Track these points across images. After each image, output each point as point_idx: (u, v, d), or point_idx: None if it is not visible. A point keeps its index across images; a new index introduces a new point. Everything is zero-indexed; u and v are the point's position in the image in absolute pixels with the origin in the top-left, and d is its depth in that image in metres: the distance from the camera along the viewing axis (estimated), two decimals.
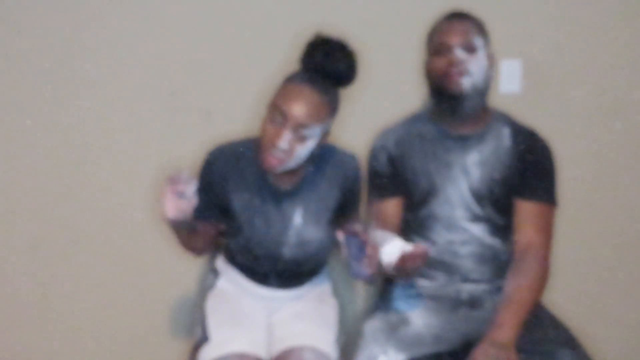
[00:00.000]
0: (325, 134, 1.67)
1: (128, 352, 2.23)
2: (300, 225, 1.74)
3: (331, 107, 1.63)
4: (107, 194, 2.16)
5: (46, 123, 2.13)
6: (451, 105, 1.73)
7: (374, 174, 1.86)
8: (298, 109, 1.57)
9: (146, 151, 2.14)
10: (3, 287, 2.19)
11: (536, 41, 2.13)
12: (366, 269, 1.46)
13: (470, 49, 1.71)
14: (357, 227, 1.50)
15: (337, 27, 2.10)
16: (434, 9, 1.79)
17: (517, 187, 1.75)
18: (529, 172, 1.75)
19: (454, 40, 1.72)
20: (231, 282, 1.88)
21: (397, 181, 1.83)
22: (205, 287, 1.94)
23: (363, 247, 1.47)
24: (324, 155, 1.76)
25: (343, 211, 1.80)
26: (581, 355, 1.59)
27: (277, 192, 1.74)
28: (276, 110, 1.60)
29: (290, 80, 1.64)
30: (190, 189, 1.52)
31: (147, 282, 2.20)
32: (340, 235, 1.52)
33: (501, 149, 1.76)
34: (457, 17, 1.76)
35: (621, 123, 2.17)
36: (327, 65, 1.61)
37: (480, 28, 1.75)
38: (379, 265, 1.49)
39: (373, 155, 1.87)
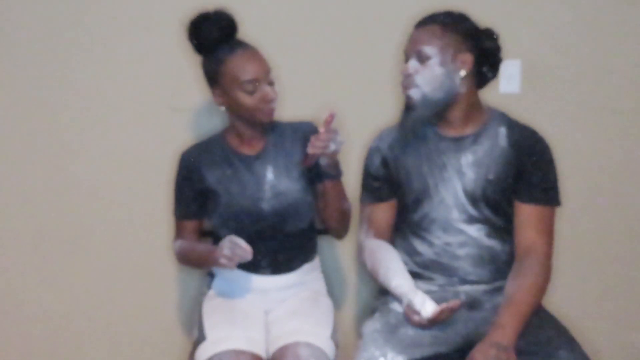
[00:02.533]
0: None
1: (128, 352, 2.23)
2: (273, 180, 1.87)
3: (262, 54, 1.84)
4: (108, 194, 2.17)
5: (47, 123, 2.13)
6: (405, 114, 1.75)
7: (367, 176, 1.87)
8: (259, 66, 1.79)
9: (147, 151, 2.15)
10: (3, 287, 2.20)
11: (536, 41, 2.12)
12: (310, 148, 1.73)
13: (422, 59, 1.70)
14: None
15: (336, 27, 2.11)
16: (435, 9, 1.77)
17: (517, 189, 1.73)
18: (528, 173, 1.73)
19: (407, 50, 1.74)
20: (226, 279, 1.91)
21: (390, 184, 1.83)
22: (202, 290, 1.98)
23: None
24: (281, 125, 1.94)
25: (317, 170, 1.85)
26: (580, 357, 1.58)
27: (246, 159, 1.89)
28: (248, 84, 1.77)
29: (230, 57, 1.78)
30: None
31: (147, 282, 2.20)
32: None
33: (496, 149, 1.74)
34: (421, 24, 1.74)
35: (621, 123, 2.17)
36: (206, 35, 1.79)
37: (441, 33, 1.69)
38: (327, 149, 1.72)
39: (367, 157, 1.88)
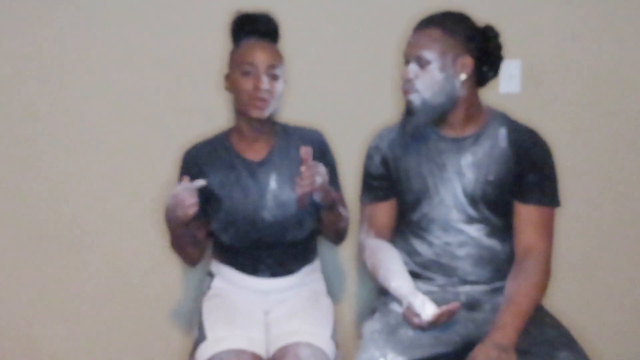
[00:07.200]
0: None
1: (128, 352, 2.23)
2: (276, 189, 1.85)
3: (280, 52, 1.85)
4: (108, 195, 2.16)
5: (47, 124, 2.13)
6: (406, 119, 1.74)
7: (366, 175, 1.87)
8: (262, 54, 1.79)
9: (148, 151, 2.14)
10: (3, 287, 2.19)
11: (536, 41, 2.12)
12: (298, 189, 1.70)
13: (421, 64, 1.69)
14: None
15: (335, 26, 2.11)
16: (435, 9, 1.77)
17: (516, 190, 1.73)
18: (527, 174, 1.72)
19: (408, 54, 1.72)
20: (225, 280, 1.91)
21: (389, 183, 1.83)
22: (202, 290, 1.98)
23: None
24: (289, 130, 1.92)
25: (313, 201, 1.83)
26: (580, 357, 1.58)
27: (250, 164, 1.87)
28: (246, 65, 1.77)
29: (245, 42, 1.82)
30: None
31: (147, 282, 2.20)
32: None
33: (496, 150, 1.74)
34: (420, 26, 1.73)
35: (620, 123, 2.17)
36: (257, 23, 1.83)
37: (441, 36, 1.68)
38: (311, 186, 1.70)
39: (367, 156, 1.87)
